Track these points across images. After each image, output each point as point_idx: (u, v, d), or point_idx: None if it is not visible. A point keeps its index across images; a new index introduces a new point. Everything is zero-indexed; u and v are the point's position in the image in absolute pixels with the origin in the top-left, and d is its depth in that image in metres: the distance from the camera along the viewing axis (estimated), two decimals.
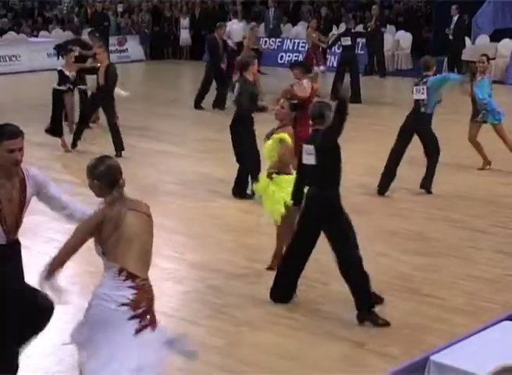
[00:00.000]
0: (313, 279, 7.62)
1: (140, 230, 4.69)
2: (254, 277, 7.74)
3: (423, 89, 10.07)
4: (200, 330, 6.56)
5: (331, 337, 6.44)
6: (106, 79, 12.68)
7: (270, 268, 7.73)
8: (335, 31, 25.15)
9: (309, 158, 6.71)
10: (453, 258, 8.23)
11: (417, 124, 10.18)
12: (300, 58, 25.02)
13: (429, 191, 10.32)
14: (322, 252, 7.34)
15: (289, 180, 7.40)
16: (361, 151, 12.40)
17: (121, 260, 4.59)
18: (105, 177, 4.67)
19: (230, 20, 21.59)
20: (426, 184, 10.34)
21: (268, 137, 7.88)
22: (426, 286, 7.48)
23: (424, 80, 10.16)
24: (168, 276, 7.77)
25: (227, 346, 6.30)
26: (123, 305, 4.58)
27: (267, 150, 7.86)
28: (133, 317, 4.59)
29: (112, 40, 25.99)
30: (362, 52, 22.68)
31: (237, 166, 10.59)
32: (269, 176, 7.64)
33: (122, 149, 12.65)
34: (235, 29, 20.13)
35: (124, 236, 4.59)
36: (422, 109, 10.12)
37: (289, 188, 7.23)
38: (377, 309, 6.79)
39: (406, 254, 8.33)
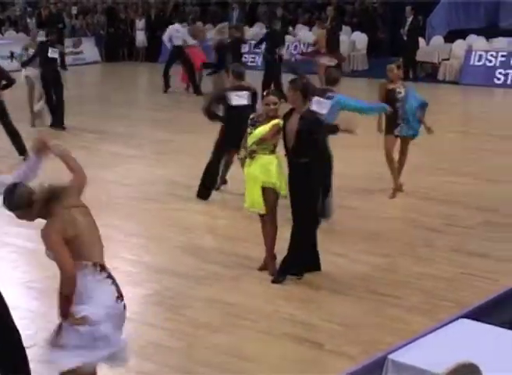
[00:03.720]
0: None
1: (88, 223, 4.84)
2: (213, 279, 7.75)
3: (325, 103, 9.06)
4: (160, 332, 6.57)
5: (289, 338, 6.48)
6: None
7: (263, 268, 7.84)
8: (291, 33, 25.28)
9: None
10: (409, 258, 8.33)
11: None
12: (257, 60, 25.13)
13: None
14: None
15: (269, 161, 7.61)
16: None
17: (90, 256, 4.74)
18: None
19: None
20: None
21: (253, 126, 7.74)
22: (384, 285, 7.56)
23: (330, 94, 9.19)
24: (127, 279, 7.73)
25: (186, 348, 6.31)
26: (117, 298, 4.81)
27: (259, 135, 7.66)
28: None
29: (67, 42, 25.76)
30: None
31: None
32: (251, 154, 7.65)
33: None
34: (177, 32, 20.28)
35: (82, 233, 4.72)
36: None
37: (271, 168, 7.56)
38: (334, 309, 6.88)
39: (363, 254, 8.40)
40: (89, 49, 26.93)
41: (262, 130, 7.59)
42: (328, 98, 9.09)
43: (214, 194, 10.37)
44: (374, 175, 10.59)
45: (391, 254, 8.45)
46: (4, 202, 4.76)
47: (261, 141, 7.55)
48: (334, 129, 7.99)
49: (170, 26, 20.67)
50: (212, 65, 18.29)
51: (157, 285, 7.64)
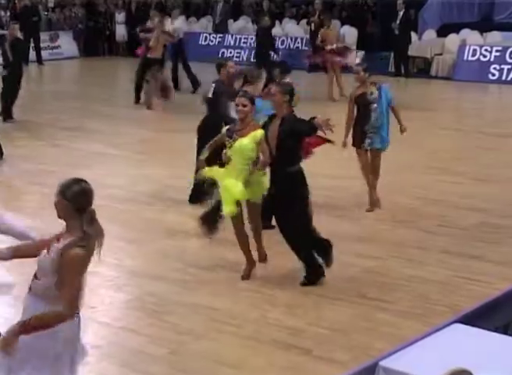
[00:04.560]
0: (258, 284, 7.69)
1: None
2: (196, 283, 7.75)
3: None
4: (142, 339, 6.56)
5: (277, 344, 6.49)
6: None
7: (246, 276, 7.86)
8: (278, 27, 25.31)
9: None
10: (400, 260, 8.36)
11: None
12: (242, 54, 25.13)
13: None
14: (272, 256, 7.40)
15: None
16: None
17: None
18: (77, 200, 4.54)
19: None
20: None
21: (231, 138, 7.60)
22: (374, 289, 7.59)
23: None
24: (108, 284, 7.74)
25: (169, 355, 6.30)
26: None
27: (244, 150, 7.52)
28: None
29: (43, 36, 25.73)
30: (306, 48, 22.88)
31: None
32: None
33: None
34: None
35: None
36: None
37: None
38: (322, 314, 6.90)
39: (353, 257, 8.42)
40: (66, 43, 26.89)
41: (245, 145, 7.50)
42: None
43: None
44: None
45: (381, 256, 8.47)
46: None
47: (261, 164, 7.56)
48: (313, 127, 7.84)
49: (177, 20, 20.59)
50: None
51: (139, 290, 7.63)
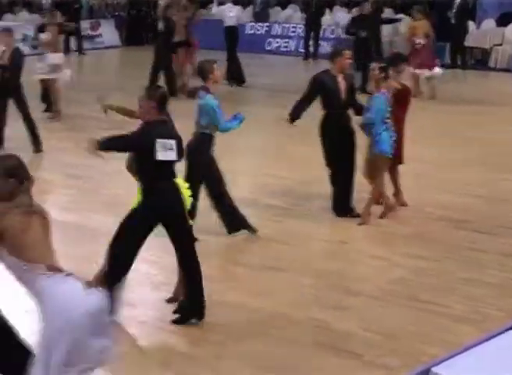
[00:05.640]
0: (305, 285, 7.65)
1: None
2: (239, 282, 7.74)
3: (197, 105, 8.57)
4: (182, 339, 6.57)
5: (324, 348, 6.44)
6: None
7: None
8: (328, 16, 25.20)
9: None
10: (454, 262, 8.26)
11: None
12: (291, 44, 25.09)
13: None
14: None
15: None
16: None
17: None
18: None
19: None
20: None
21: None
22: (426, 292, 7.50)
23: (200, 94, 8.55)
24: (147, 282, 7.77)
25: (210, 357, 6.29)
26: None
27: None
28: None
29: (84, 24, 25.95)
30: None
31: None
32: None
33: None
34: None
35: None
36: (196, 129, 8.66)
37: None
38: (372, 317, 6.85)
39: (405, 257, 8.35)
40: (108, 32, 27.05)
41: None
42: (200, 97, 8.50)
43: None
44: (410, 171, 10.45)
45: (435, 257, 8.38)
46: None
47: None
48: None
49: (221, 7, 20.59)
50: None
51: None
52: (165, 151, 6.59)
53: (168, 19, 18.10)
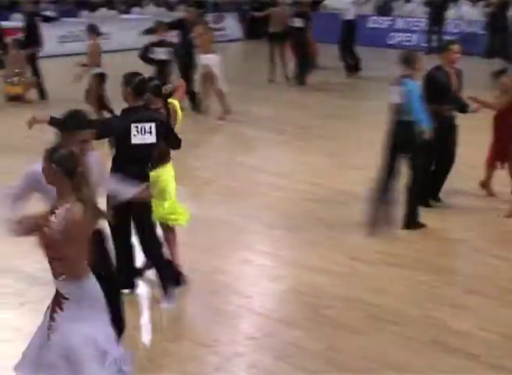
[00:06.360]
0: (421, 281, 7.57)
1: None
2: (357, 277, 7.71)
3: (400, 91, 8.71)
4: (297, 332, 6.58)
5: (440, 346, 6.35)
6: None
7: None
8: (452, 10, 24.70)
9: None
10: None
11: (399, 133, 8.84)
12: (414, 38, 24.75)
13: None
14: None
15: None
16: None
17: None
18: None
19: None
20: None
21: None
22: None
23: (403, 80, 8.74)
24: (264, 274, 7.82)
25: (325, 351, 6.29)
26: None
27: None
28: None
29: (209, 17, 26.23)
30: (482, 33, 22.26)
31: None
32: None
33: None
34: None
35: None
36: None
37: None
38: (492, 317, 6.71)
39: None
40: (231, 26, 27.29)
41: None
42: None
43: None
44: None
45: None
46: None
47: None
48: None
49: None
50: None
51: (295, 281, 7.66)
52: (141, 134, 6.86)
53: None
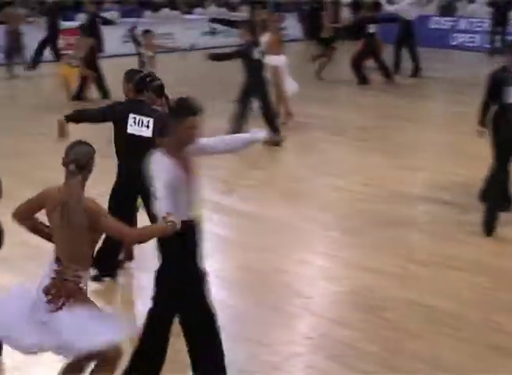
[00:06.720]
0: (478, 284, 7.51)
1: None
2: (416, 279, 7.68)
3: None
4: (354, 333, 6.58)
5: (498, 350, 6.31)
6: None
7: None
8: None
9: None
10: None
11: None
12: (477, 39, 24.45)
13: None
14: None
15: None
16: None
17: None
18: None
19: None
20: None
21: None
22: None
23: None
24: (322, 275, 7.84)
25: (381, 352, 6.28)
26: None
27: None
28: None
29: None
30: None
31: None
32: None
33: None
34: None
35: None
36: None
37: None
38: None
39: None
40: (292, 26, 27.30)
41: None
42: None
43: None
44: None
45: None
46: None
47: None
48: None
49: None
50: None
51: (353, 283, 7.65)
52: (138, 126, 7.13)
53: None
